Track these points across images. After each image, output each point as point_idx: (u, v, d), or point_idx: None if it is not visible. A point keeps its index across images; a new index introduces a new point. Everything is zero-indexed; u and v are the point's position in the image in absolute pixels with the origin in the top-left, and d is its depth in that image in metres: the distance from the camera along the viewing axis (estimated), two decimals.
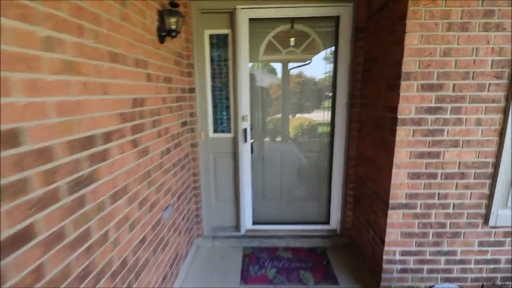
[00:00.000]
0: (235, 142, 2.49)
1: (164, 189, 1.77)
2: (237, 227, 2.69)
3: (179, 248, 2.06)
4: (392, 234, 1.79)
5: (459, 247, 1.80)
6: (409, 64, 1.57)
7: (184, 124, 2.19)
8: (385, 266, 1.84)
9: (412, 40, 1.54)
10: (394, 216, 1.76)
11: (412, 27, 1.53)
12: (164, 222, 1.78)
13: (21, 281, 0.74)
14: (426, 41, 1.54)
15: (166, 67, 1.80)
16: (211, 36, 2.35)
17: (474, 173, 1.69)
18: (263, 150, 2.63)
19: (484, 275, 1.83)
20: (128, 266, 1.32)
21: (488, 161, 1.67)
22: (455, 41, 1.54)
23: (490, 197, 1.70)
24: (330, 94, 2.44)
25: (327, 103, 2.49)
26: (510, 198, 1.71)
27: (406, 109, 1.62)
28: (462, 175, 1.69)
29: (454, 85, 1.58)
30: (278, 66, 2.55)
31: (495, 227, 1.74)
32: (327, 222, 2.65)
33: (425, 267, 1.83)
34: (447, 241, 1.79)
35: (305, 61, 2.47)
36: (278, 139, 2.65)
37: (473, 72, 1.57)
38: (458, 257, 1.81)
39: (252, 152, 2.50)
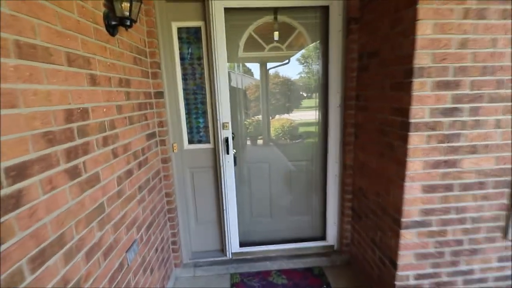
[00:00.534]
0: (215, 153, 2.13)
1: (126, 223, 1.37)
2: (223, 250, 2.33)
3: None
4: (405, 257, 1.53)
5: (477, 265, 1.58)
6: (422, 57, 1.31)
7: (151, 136, 1.79)
8: None
9: (424, 29, 1.28)
10: (407, 237, 1.51)
11: (424, 14, 1.27)
12: (130, 264, 1.38)
13: None
14: (440, 30, 1.29)
15: (121, 67, 1.40)
16: (180, 30, 1.97)
17: (493, 181, 1.47)
18: (248, 161, 2.29)
19: None
20: None
21: (508, 167, 1.46)
22: (472, 30, 1.31)
23: (510, 208, 1.50)
24: (317, 95, 2.16)
25: (314, 102, 2.20)
26: None
27: (420, 111, 1.36)
28: (481, 185, 1.47)
29: (472, 82, 1.35)
30: (254, 67, 2.20)
31: None
32: (323, 237, 2.37)
33: None
34: (465, 260, 1.57)
35: (289, 58, 2.16)
36: (264, 146, 2.32)
37: (492, 66, 1.35)
38: (476, 276, 1.60)
39: (235, 164, 2.15)
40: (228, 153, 2.06)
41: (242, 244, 2.32)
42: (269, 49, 2.11)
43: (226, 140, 2.04)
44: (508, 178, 1.48)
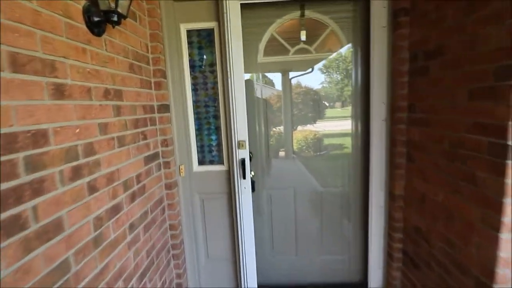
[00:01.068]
0: (229, 177, 1.78)
1: (107, 279, 1.04)
2: None
3: None
4: None
5: None
6: None
7: (152, 158, 1.48)
8: None
9: None
10: None
11: None
12: None
13: None
14: None
15: (110, 75, 1.11)
16: (189, 33, 1.68)
17: None
18: (269, 186, 1.90)
19: None
20: None
21: None
22: None
23: None
24: (352, 104, 1.75)
25: (348, 112, 1.78)
26: None
27: None
28: None
29: None
30: (275, 77, 1.85)
31: None
32: (363, 284, 1.89)
33: None
34: None
35: (319, 61, 1.78)
36: (288, 166, 1.93)
37: None
38: None
39: (253, 189, 1.77)
40: (244, 178, 1.70)
41: (261, 286, 1.90)
42: (295, 52, 1.76)
43: (243, 162, 1.68)
44: None
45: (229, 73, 1.61)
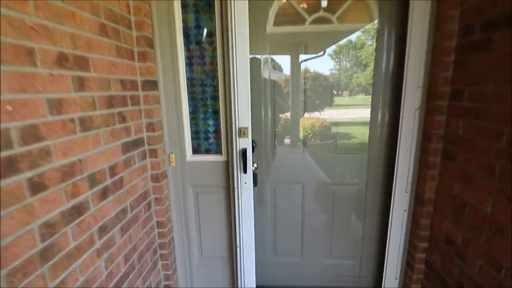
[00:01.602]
0: (228, 169, 1.53)
1: None
2: None
3: None
4: None
5: None
6: None
7: (133, 145, 1.23)
8: None
9: None
10: None
11: None
12: None
13: None
14: None
15: (68, 35, 0.83)
16: None
17: None
18: (274, 179, 1.65)
19: None
20: None
21: None
22: None
23: None
24: (376, 91, 1.44)
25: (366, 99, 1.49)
26: None
27: None
28: None
29: None
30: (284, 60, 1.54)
31: None
32: None
33: None
34: None
35: (344, 35, 1.47)
36: (296, 159, 1.66)
37: None
38: None
39: (256, 184, 1.53)
40: (245, 172, 1.44)
41: None
42: (313, 21, 1.43)
43: (244, 153, 1.42)
44: None
45: (231, 44, 1.31)
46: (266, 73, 1.52)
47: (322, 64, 1.53)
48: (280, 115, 1.60)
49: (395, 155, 1.42)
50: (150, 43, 1.30)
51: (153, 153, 1.36)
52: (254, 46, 1.44)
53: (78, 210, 0.87)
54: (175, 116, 1.47)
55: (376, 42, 1.42)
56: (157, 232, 1.47)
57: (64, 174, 0.81)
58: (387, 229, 1.53)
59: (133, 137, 1.22)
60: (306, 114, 1.59)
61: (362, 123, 1.55)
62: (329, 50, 1.51)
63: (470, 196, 1.14)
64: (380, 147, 1.54)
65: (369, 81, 1.49)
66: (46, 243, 0.75)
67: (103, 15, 1.00)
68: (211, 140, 1.56)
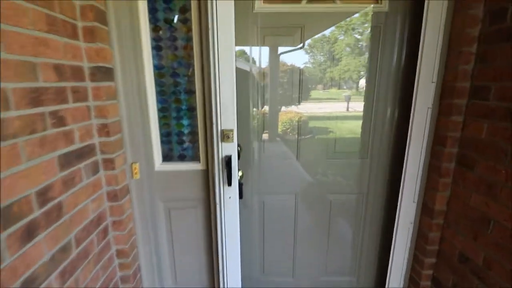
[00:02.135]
0: (207, 179, 1.25)
1: None
2: None
3: None
4: None
5: None
6: None
7: (77, 156, 0.90)
8: None
9: None
10: None
11: None
12: None
13: None
14: None
15: None
16: None
17: None
18: (262, 190, 1.40)
19: None
20: None
21: None
22: None
23: None
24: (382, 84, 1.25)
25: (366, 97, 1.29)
26: None
27: None
28: None
29: None
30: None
31: None
32: None
33: None
34: None
35: (347, 16, 1.24)
36: (288, 166, 1.41)
37: None
38: None
39: (241, 196, 1.26)
40: (230, 184, 1.17)
41: None
42: None
43: (228, 161, 1.14)
44: None
45: (210, 22, 1.02)
46: (255, 59, 1.25)
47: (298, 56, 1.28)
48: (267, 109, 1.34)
49: (398, 160, 1.25)
50: (102, 17, 0.96)
51: (109, 164, 1.04)
52: (240, 23, 1.16)
53: None
54: (139, 114, 1.15)
55: (383, 27, 1.21)
56: (118, 264, 1.15)
57: None
58: (390, 243, 1.36)
59: (77, 145, 0.88)
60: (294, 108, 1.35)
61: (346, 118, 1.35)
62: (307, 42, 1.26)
63: (494, 211, 0.99)
64: (386, 155, 1.35)
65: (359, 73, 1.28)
66: None
67: None
68: (186, 144, 1.27)
